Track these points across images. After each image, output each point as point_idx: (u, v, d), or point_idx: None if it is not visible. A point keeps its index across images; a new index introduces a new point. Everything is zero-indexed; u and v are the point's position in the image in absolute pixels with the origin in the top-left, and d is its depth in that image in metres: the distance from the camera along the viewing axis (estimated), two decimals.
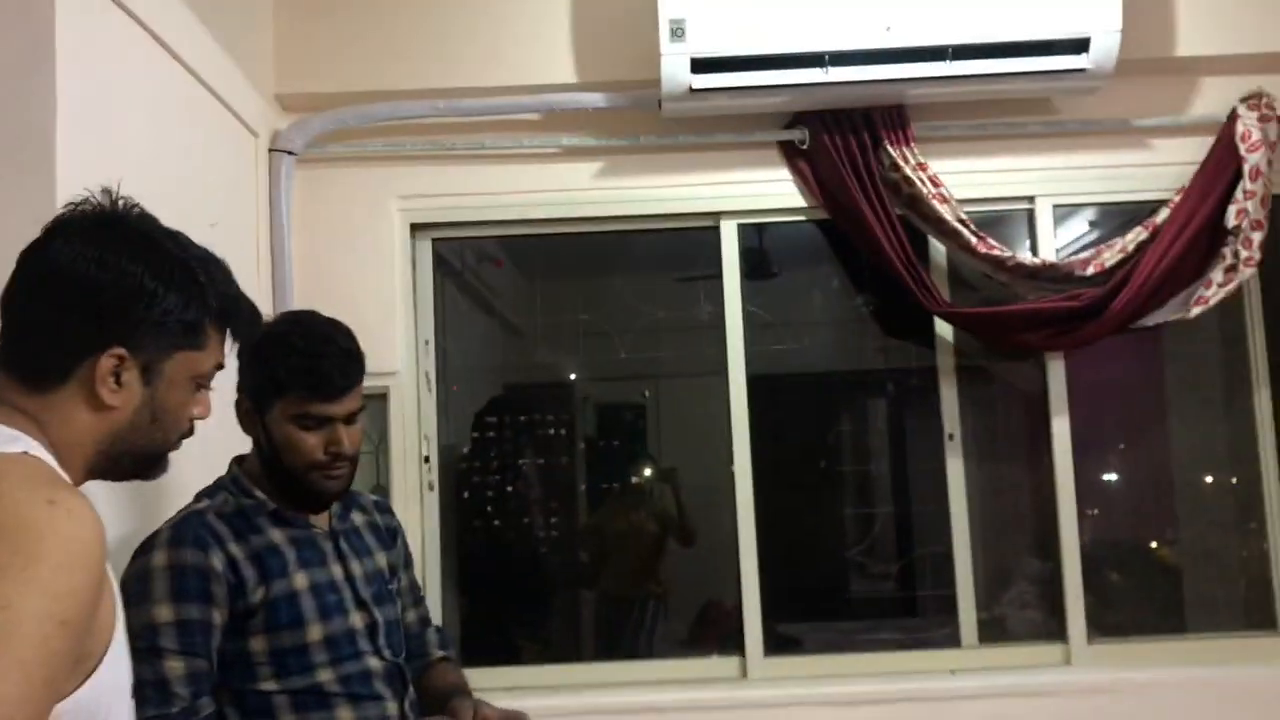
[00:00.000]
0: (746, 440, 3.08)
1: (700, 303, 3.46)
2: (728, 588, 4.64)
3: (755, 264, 3.34)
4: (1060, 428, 3.13)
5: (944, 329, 3.16)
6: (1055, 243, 3.19)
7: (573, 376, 4.81)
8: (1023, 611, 3.33)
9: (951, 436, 3.17)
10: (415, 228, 3.08)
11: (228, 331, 1.32)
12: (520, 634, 4.23)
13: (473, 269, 3.91)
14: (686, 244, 3.42)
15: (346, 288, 2.85)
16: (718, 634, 4.68)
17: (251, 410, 1.78)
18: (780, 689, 2.94)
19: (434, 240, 3.16)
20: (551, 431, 4.53)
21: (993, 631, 3.20)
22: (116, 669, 1.14)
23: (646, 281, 3.99)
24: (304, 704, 1.69)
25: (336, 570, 1.80)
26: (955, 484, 3.16)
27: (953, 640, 3.15)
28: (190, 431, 1.32)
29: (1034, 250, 3.17)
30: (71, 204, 1.24)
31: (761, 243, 3.38)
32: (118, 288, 1.19)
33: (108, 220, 1.23)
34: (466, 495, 3.78)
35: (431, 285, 3.14)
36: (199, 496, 1.79)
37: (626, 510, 4.75)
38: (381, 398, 2.92)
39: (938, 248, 3.14)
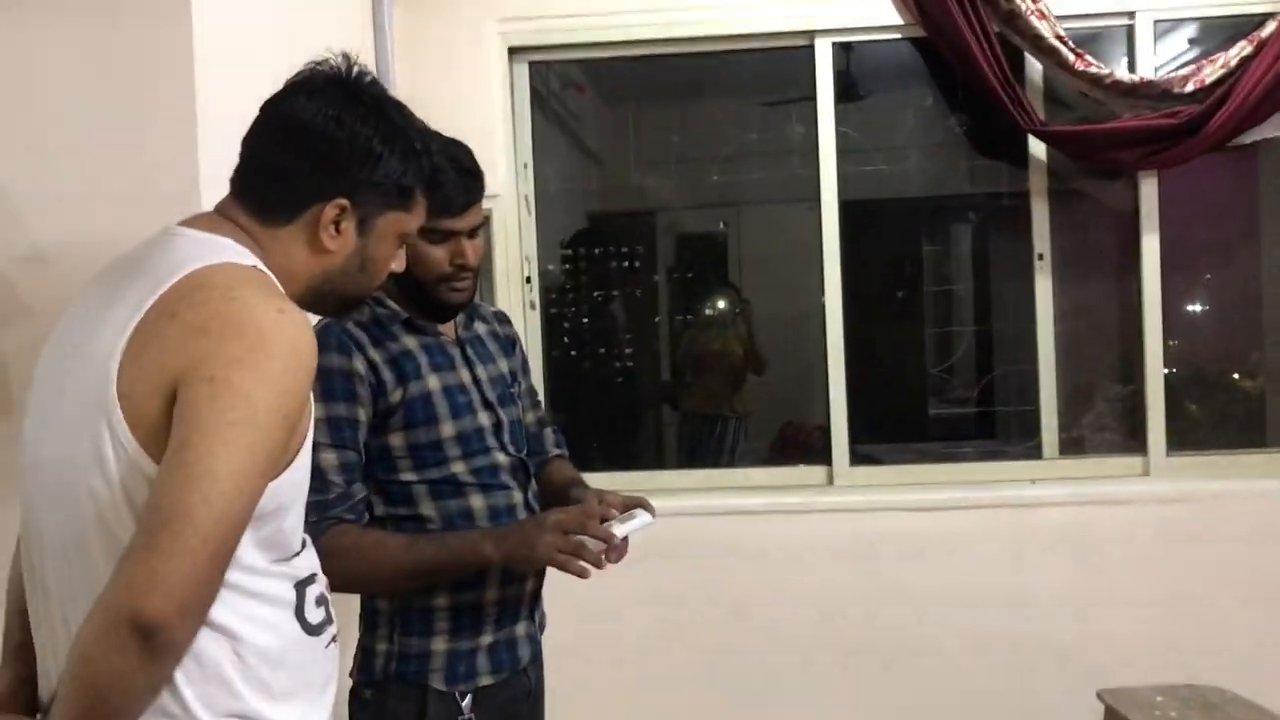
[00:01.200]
0: (838, 264, 3.14)
1: (791, 125, 3.48)
2: (807, 409, 4.77)
3: (846, 86, 3.33)
4: (1150, 246, 3.14)
5: (1037, 149, 3.16)
6: (1154, 60, 3.14)
7: (654, 206, 4.83)
8: (1101, 433, 3.41)
9: (1041, 257, 3.21)
10: (513, 51, 3.13)
11: (431, 198, 1.46)
12: (611, 446, 4.40)
13: (557, 95, 3.93)
14: (775, 67, 3.41)
15: (448, 112, 2.83)
16: (798, 451, 4.84)
17: None
18: (865, 495, 3.07)
19: (530, 64, 3.20)
20: (632, 262, 4.60)
21: (1073, 449, 3.29)
22: (303, 466, 1.28)
23: (734, 107, 3.96)
24: (440, 492, 1.83)
25: (464, 374, 1.92)
26: (1043, 304, 3.21)
27: (1034, 454, 3.24)
28: (385, 280, 1.47)
29: (1132, 68, 3.12)
30: (313, 63, 1.36)
31: (850, 66, 3.37)
32: (350, 146, 1.31)
33: (345, 84, 1.35)
34: (551, 321, 3.90)
35: (529, 109, 3.20)
36: None
37: (703, 339, 4.86)
38: (485, 220, 3.00)
39: (1034, 66, 3.11)
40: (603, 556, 1.69)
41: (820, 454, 3.22)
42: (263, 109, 1.36)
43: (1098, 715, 2.56)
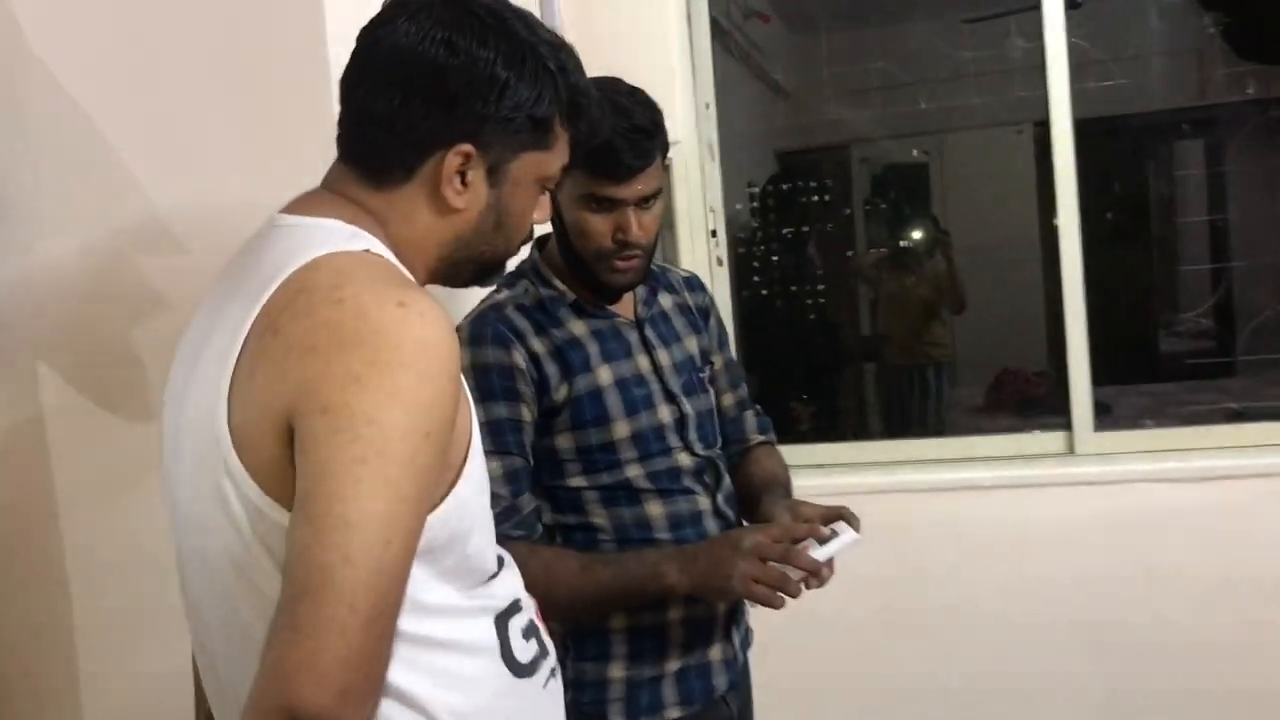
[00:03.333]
0: (1074, 191, 2.71)
1: (1008, 40, 3.06)
2: (1023, 352, 4.38)
3: None
4: None
5: None
6: None
7: (848, 138, 4.55)
8: None
9: None
10: None
11: (575, 128, 1.16)
12: (810, 408, 4.15)
13: (739, 27, 3.65)
14: None
15: (621, 50, 2.62)
16: (1017, 402, 4.46)
17: None
18: (1114, 464, 2.67)
19: None
20: (824, 197, 4.33)
21: None
22: (476, 478, 1.07)
23: (936, 27, 3.62)
24: (613, 499, 1.60)
25: (643, 361, 1.67)
26: None
27: None
28: (530, 236, 1.21)
29: None
30: None
31: None
32: (467, 75, 1.05)
33: None
34: (738, 265, 3.65)
35: (709, 44, 2.89)
36: (500, 285, 1.67)
37: (901, 275, 4.54)
38: (665, 169, 2.74)
39: None
40: (802, 584, 1.44)
41: (1046, 407, 2.82)
42: (357, 41, 1.10)
43: None
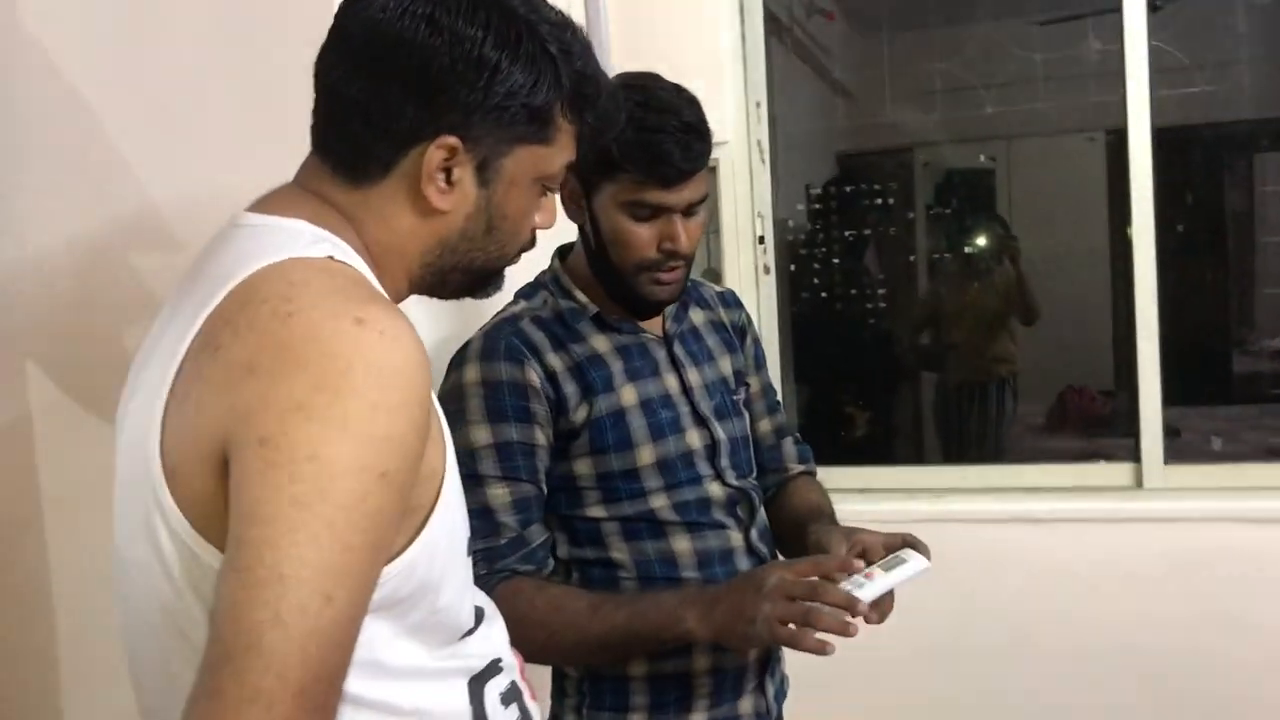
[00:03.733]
0: (1150, 202, 2.52)
1: (1084, 42, 2.88)
2: (1090, 370, 4.19)
3: None
4: None
5: None
6: None
7: (911, 141, 4.41)
8: None
9: None
10: None
11: (581, 121, 1.02)
12: (863, 427, 4.00)
13: (801, 24, 3.51)
14: None
15: (668, 45, 2.50)
16: (1081, 422, 4.27)
17: (578, 190, 1.48)
18: (1184, 501, 2.49)
19: None
20: (886, 201, 4.18)
21: None
22: (449, 521, 0.94)
23: (1005, 27, 3.45)
24: (636, 532, 1.47)
25: (671, 381, 1.53)
26: None
27: None
28: (532, 243, 1.07)
29: None
30: None
31: None
32: (451, 57, 0.92)
33: None
34: (793, 270, 3.50)
35: (763, 40, 2.74)
36: (517, 296, 1.56)
37: (965, 285, 4.37)
38: (710, 171, 2.59)
39: None
40: (851, 621, 1.26)
41: (1111, 428, 2.65)
42: (335, 18, 0.97)
43: None
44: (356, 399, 0.78)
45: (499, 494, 1.40)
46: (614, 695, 1.48)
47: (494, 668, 1.00)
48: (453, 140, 0.93)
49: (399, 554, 0.86)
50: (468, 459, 1.39)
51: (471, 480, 1.37)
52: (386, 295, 0.94)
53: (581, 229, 1.52)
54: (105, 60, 1.54)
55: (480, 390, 1.41)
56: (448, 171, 0.94)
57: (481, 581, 1.36)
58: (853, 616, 1.26)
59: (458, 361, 1.46)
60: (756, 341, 1.72)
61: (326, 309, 0.82)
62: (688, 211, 1.46)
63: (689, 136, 1.43)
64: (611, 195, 1.45)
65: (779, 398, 1.79)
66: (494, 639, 1.03)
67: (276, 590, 0.73)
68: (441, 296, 1.06)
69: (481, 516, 1.38)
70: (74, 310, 1.57)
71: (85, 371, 1.60)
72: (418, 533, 0.88)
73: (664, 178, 1.42)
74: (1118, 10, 2.53)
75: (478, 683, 0.97)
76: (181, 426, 0.83)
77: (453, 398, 1.42)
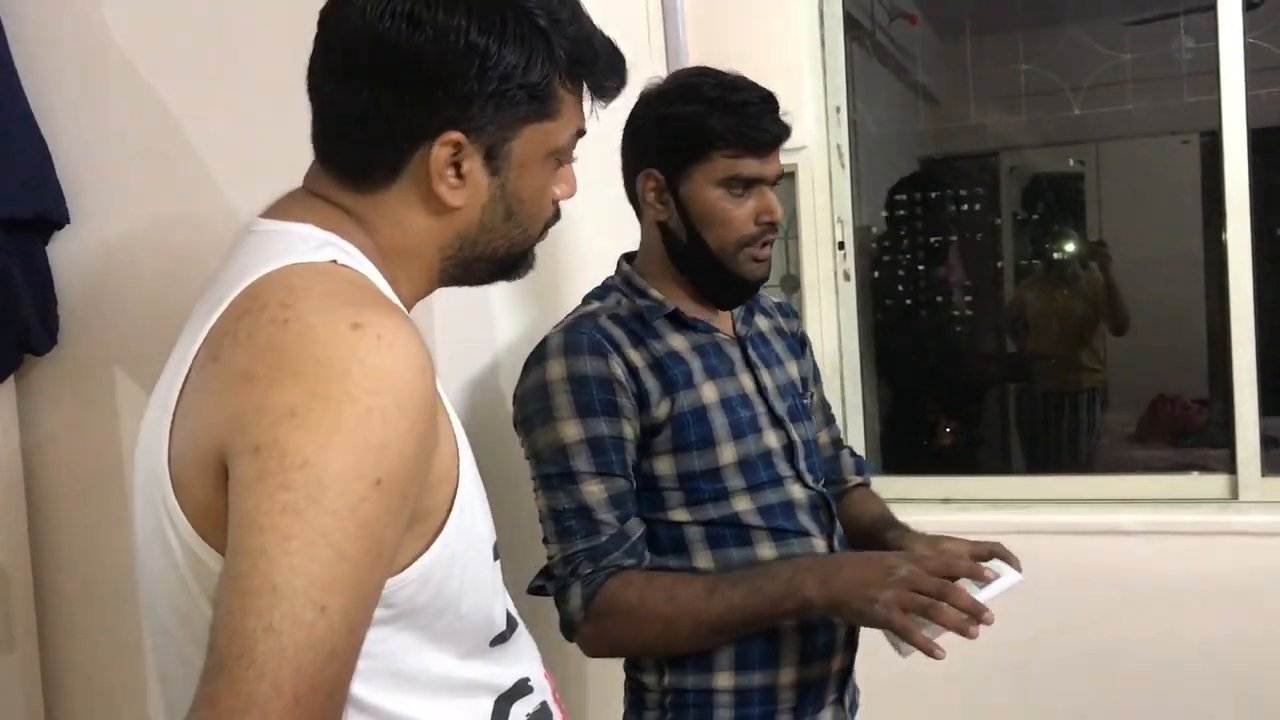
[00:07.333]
0: (1245, 206, 2.44)
1: (1176, 40, 2.80)
2: (1182, 378, 4.07)
3: None
4: None
5: None
6: None
7: (997, 146, 4.34)
8: None
9: None
10: None
11: (585, 86, 1.00)
12: (946, 438, 3.93)
13: (883, 28, 3.47)
14: None
15: (746, 48, 2.49)
16: (1173, 432, 4.14)
17: (660, 185, 1.49)
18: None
19: None
20: (975, 206, 4.11)
21: None
22: (468, 527, 0.91)
23: (1092, 28, 3.38)
24: (720, 538, 1.45)
25: (746, 381, 1.53)
26: None
27: None
28: (556, 216, 1.06)
29: None
30: None
31: None
32: (438, 51, 0.90)
33: None
34: (876, 277, 3.46)
35: (842, 44, 2.71)
36: (587, 299, 1.57)
37: (1053, 292, 4.28)
38: (789, 176, 2.57)
39: None
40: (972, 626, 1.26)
41: (1206, 438, 2.56)
42: (318, 26, 0.96)
43: None
44: (350, 405, 0.77)
45: (594, 491, 1.39)
46: (697, 707, 1.45)
47: (523, 687, 0.98)
48: (456, 135, 0.92)
49: (412, 562, 0.85)
50: (559, 456, 1.39)
51: (565, 478, 1.38)
52: (399, 298, 0.93)
53: (663, 225, 1.52)
54: (191, 70, 1.58)
55: (566, 386, 1.40)
56: (457, 166, 0.93)
57: (588, 580, 1.36)
58: (973, 627, 1.25)
59: (537, 358, 1.46)
60: (814, 356, 1.74)
61: (323, 315, 0.81)
62: (775, 183, 1.51)
63: (772, 104, 1.48)
64: (705, 176, 1.47)
65: (834, 412, 1.80)
66: (526, 656, 1.01)
67: (269, 600, 0.73)
68: (468, 285, 1.05)
69: (580, 515, 1.38)
70: (155, 304, 1.60)
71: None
72: (432, 540, 0.87)
73: (758, 145, 1.45)
74: (1212, 8, 2.46)
75: (505, 702, 0.96)
76: (186, 436, 0.84)
77: (536, 396, 1.42)
